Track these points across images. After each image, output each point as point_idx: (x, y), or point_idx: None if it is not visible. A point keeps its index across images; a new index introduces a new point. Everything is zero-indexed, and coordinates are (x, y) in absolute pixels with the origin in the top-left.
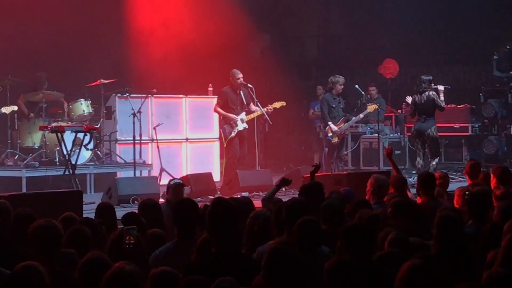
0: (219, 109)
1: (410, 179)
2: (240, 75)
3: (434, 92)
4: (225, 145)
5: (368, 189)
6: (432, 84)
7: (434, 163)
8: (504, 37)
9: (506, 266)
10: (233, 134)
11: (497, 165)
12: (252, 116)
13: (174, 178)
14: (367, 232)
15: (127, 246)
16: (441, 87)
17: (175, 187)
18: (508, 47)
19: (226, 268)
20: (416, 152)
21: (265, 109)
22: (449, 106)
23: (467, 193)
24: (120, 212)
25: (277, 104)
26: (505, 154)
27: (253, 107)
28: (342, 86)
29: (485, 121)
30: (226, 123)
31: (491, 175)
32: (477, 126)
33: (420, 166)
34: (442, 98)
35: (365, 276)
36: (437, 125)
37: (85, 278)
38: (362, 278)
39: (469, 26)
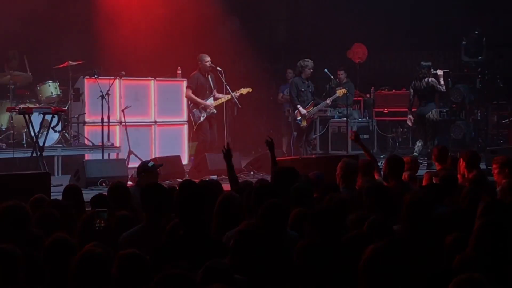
0: (191, 95)
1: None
2: (208, 58)
3: (433, 79)
4: (194, 129)
5: (337, 173)
6: (432, 70)
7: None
8: (473, 22)
9: (478, 250)
10: (202, 119)
11: (466, 150)
12: (220, 101)
13: (144, 161)
14: (335, 216)
15: (97, 229)
16: (440, 72)
17: (151, 169)
18: (476, 32)
19: (194, 251)
20: (419, 136)
21: (234, 93)
22: None
23: (433, 177)
24: (88, 195)
25: (244, 91)
26: (473, 139)
27: (216, 93)
28: (311, 70)
29: (453, 106)
30: (195, 107)
31: (461, 159)
32: (445, 111)
33: (417, 149)
34: (442, 82)
35: (335, 258)
36: (405, 109)
37: (50, 259)
38: (332, 259)
39: (438, 11)
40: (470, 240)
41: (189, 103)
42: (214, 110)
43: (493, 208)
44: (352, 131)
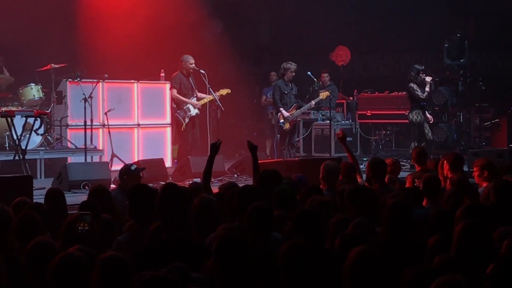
0: (177, 95)
1: (361, 166)
2: (192, 60)
3: (411, 84)
4: (183, 129)
5: (320, 175)
6: (423, 75)
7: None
8: (455, 25)
9: (459, 252)
10: (187, 120)
11: (449, 152)
12: (203, 101)
13: (127, 164)
14: (317, 218)
15: (80, 232)
16: (428, 78)
17: (134, 172)
18: (458, 35)
19: (176, 254)
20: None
21: (216, 94)
22: (399, 93)
23: (416, 180)
24: (70, 198)
25: (223, 92)
26: (455, 141)
27: (198, 93)
28: (294, 74)
29: (435, 108)
30: (179, 109)
31: (444, 161)
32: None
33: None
34: (427, 89)
35: (320, 259)
36: (388, 112)
37: (32, 263)
38: (317, 261)
39: (421, 13)
40: (452, 242)
41: (173, 105)
42: (198, 110)
43: (472, 211)
44: (339, 131)
